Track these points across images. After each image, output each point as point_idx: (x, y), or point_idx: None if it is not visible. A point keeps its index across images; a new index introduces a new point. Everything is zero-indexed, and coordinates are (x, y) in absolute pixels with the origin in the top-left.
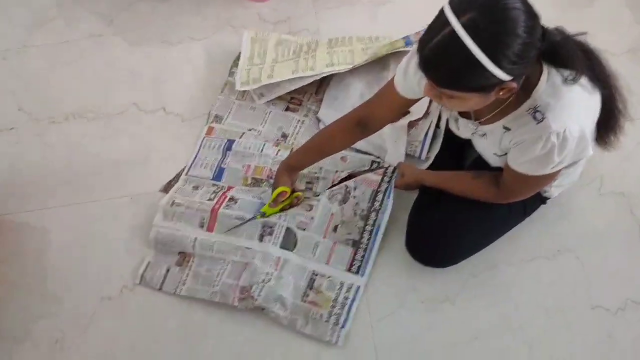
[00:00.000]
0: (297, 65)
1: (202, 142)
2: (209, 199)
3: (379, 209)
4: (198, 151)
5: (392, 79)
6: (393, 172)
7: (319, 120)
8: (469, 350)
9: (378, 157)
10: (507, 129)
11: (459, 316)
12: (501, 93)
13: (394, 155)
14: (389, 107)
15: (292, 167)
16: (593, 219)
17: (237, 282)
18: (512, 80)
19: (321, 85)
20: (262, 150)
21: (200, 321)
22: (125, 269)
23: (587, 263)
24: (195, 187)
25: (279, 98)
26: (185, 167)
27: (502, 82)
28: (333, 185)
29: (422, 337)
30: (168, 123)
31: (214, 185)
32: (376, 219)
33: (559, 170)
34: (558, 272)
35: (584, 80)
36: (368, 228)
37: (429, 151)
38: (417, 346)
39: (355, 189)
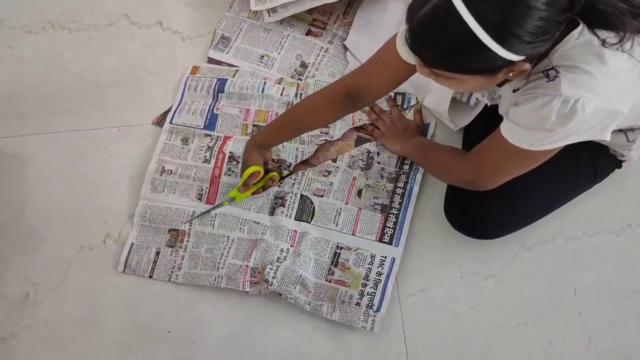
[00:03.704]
0: None
1: (186, 82)
2: (205, 160)
3: (409, 171)
4: (182, 94)
5: (393, 40)
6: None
7: (346, 48)
8: (516, 336)
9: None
10: (516, 90)
11: (506, 296)
12: (511, 74)
13: (439, 97)
14: (388, 74)
15: (263, 145)
16: None
17: (246, 263)
18: (524, 59)
19: (351, 4)
20: (262, 90)
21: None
22: (110, 215)
23: None
24: (185, 140)
25: (299, 19)
26: (170, 107)
27: (511, 62)
28: (356, 128)
29: (460, 319)
30: (165, 41)
31: (206, 135)
32: (407, 180)
33: (551, 151)
34: (627, 250)
35: None
36: (399, 191)
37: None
38: (454, 329)
39: (378, 154)
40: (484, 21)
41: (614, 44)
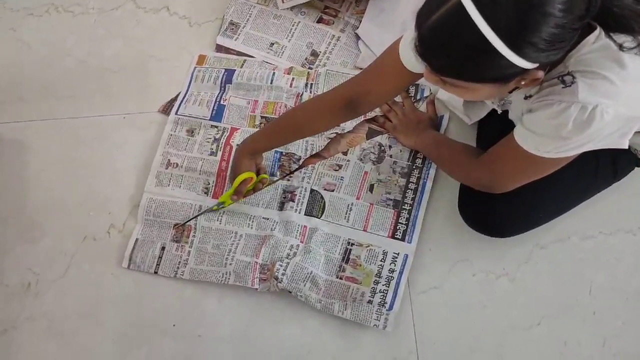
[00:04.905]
0: None
1: (192, 73)
2: (211, 152)
3: (422, 166)
4: (189, 85)
5: (395, 46)
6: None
7: (358, 37)
8: (528, 337)
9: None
10: (528, 96)
11: (519, 295)
12: (523, 83)
13: None
14: (390, 82)
15: (255, 151)
16: None
17: (255, 260)
18: (537, 67)
19: None
20: (271, 80)
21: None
22: (114, 205)
23: None
24: (190, 132)
25: (310, 5)
26: (179, 94)
27: (524, 70)
28: (367, 120)
29: (472, 318)
30: (172, 26)
31: (213, 127)
32: (420, 175)
33: (567, 158)
34: None
35: None
36: (411, 186)
37: None
38: (466, 328)
39: (390, 147)
40: (498, 27)
41: (632, 48)
